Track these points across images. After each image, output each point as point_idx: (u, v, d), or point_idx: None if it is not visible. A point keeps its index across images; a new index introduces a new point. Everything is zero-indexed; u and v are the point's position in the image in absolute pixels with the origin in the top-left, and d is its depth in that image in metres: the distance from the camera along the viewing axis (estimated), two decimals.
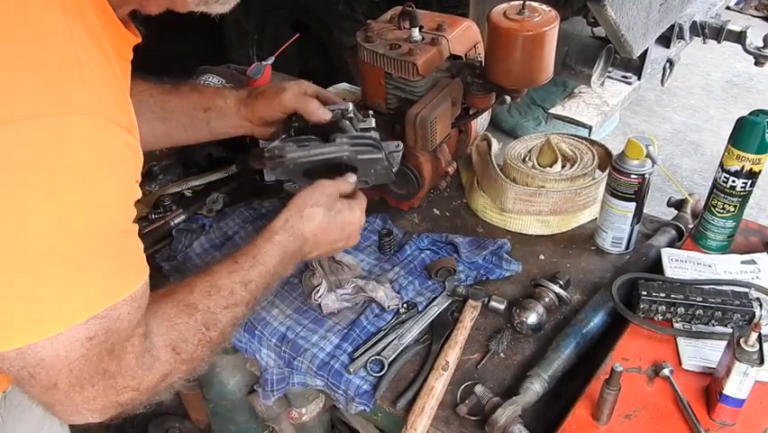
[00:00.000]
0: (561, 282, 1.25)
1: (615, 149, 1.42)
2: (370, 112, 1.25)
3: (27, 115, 0.66)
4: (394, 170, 1.22)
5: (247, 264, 0.96)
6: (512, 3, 1.23)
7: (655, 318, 1.13)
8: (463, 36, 1.39)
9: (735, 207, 1.24)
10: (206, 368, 0.92)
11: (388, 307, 1.23)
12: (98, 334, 0.74)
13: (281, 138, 1.17)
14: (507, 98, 1.34)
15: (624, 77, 2.45)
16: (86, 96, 0.70)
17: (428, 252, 1.39)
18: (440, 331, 1.21)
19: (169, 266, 1.38)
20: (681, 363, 1.07)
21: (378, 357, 1.17)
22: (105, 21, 0.80)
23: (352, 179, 1.13)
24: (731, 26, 2.42)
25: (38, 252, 0.69)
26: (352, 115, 1.14)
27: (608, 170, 1.33)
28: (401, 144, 1.25)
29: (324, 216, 1.05)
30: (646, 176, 1.27)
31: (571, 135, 1.53)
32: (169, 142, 1.32)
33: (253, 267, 0.97)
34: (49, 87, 0.69)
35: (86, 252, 0.73)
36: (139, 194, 0.80)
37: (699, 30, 2.45)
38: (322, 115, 1.15)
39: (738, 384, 0.93)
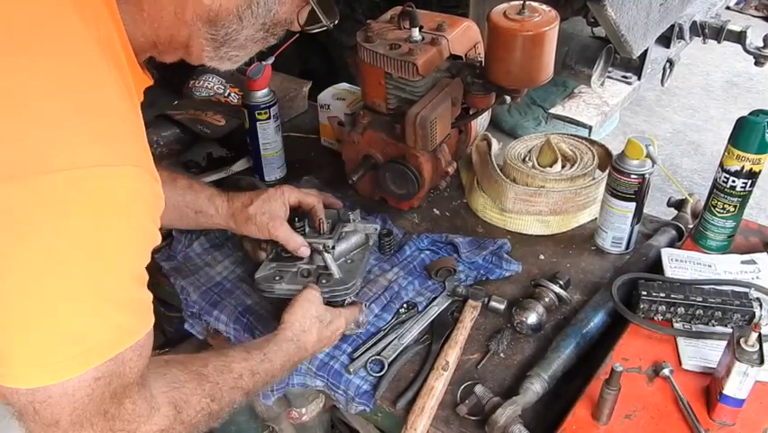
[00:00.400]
0: (561, 282, 1.25)
1: (615, 149, 1.42)
2: (350, 216, 1.31)
3: (80, 164, 0.69)
4: (370, 244, 1.33)
5: (258, 359, 1.02)
6: (512, 3, 1.23)
7: (655, 318, 1.13)
8: (463, 36, 1.39)
9: (735, 207, 1.24)
10: None
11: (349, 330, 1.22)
12: (105, 375, 0.76)
13: (268, 258, 1.29)
14: (507, 98, 1.34)
15: (624, 77, 2.45)
16: (130, 149, 0.74)
17: (428, 252, 1.39)
18: (440, 331, 1.21)
19: (168, 266, 1.38)
20: (680, 363, 1.07)
21: (378, 357, 1.17)
22: (130, 62, 0.83)
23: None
24: (731, 26, 2.42)
25: (66, 292, 0.71)
26: (332, 246, 1.26)
27: (607, 170, 1.34)
28: (378, 227, 1.35)
29: (319, 329, 1.13)
30: (646, 176, 1.27)
31: (571, 135, 1.53)
32: None
33: (262, 362, 1.03)
34: (99, 138, 0.71)
35: (112, 297, 0.75)
36: (159, 240, 0.82)
37: (699, 30, 2.45)
38: (303, 252, 1.25)
39: (738, 384, 0.93)
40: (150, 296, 0.82)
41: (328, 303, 1.18)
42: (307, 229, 1.29)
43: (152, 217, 0.79)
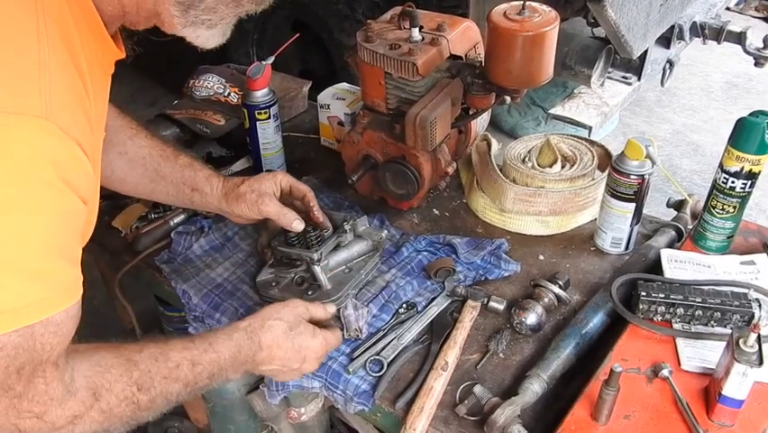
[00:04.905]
0: (560, 283, 1.25)
1: (614, 149, 1.42)
2: (346, 226, 1.29)
3: None
4: (378, 254, 1.32)
5: (201, 348, 0.96)
6: (512, 3, 1.23)
7: (654, 319, 1.13)
8: (463, 36, 1.39)
9: (734, 207, 1.24)
10: (123, 431, 0.88)
11: (348, 334, 1.20)
12: (7, 347, 0.71)
13: (269, 264, 1.31)
14: (507, 99, 1.33)
15: (624, 77, 2.45)
16: (37, 100, 0.70)
17: (426, 253, 1.38)
18: (439, 331, 1.21)
19: (169, 268, 1.38)
20: (680, 364, 1.07)
21: (377, 357, 1.17)
22: (91, 33, 0.81)
23: (331, 309, 1.17)
24: (731, 27, 2.42)
25: None
26: (317, 259, 1.23)
27: (607, 171, 1.33)
28: (386, 233, 1.35)
29: (283, 333, 1.05)
30: (646, 177, 1.27)
31: (571, 136, 1.53)
32: (148, 197, 1.38)
33: (206, 352, 0.96)
34: (1, 84, 0.68)
35: (5, 258, 0.70)
36: (84, 213, 0.77)
37: (699, 30, 2.45)
38: (296, 227, 1.23)
39: (737, 385, 0.93)
40: (77, 273, 0.77)
41: None
42: (298, 241, 1.28)
43: (64, 178, 0.73)
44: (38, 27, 0.71)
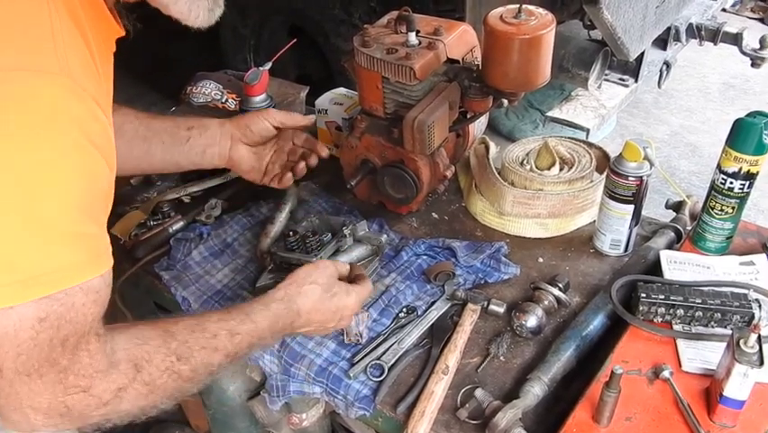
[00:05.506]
0: (560, 285, 1.25)
1: (612, 151, 1.42)
2: (346, 231, 1.31)
3: None
4: (378, 258, 1.34)
5: (238, 318, 0.96)
6: (508, 6, 1.23)
7: (655, 320, 1.13)
8: (460, 40, 1.39)
9: (733, 208, 1.24)
10: (169, 404, 0.88)
11: (348, 339, 1.20)
12: (50, 317, 0.70)
13: (268, 269, 1.31)
14: (505, 102, 1.34)
15: (621, 79, 2.46)
16: (54, 59, 0.69)
17: (425, 257, 1.38)
18: (440, 335, 1.21)
19: (168, 276, 1.37)
20: (680, 365, 1.07)
21: (378, 362, 1.17)
22: (92, 8, 0.79)
23: (345, 267, 1.18)
24: (727, 28, 2.43)
25: None
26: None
27: (605, 173, 1.34)
28: (386, 237, 1.36)
29: (320, 297, 1.06)
30: (644, 178, 1.28)
31: (569, 138, 1.54)
32: (147, 162, 1.33)
33: (243, 322, 0.96)
34: (17, 43, 0.67)
35: (41, 219, 0.68)
36: (108, 173, 0.76)
37: (696, 32, 2.47)
38: (305, 120, 1.39)
39: (738, 386, 0.93)
40: (107, 238, 0.76)
41: None
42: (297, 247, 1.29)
43: (88, 138, 0.72)
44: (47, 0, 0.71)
